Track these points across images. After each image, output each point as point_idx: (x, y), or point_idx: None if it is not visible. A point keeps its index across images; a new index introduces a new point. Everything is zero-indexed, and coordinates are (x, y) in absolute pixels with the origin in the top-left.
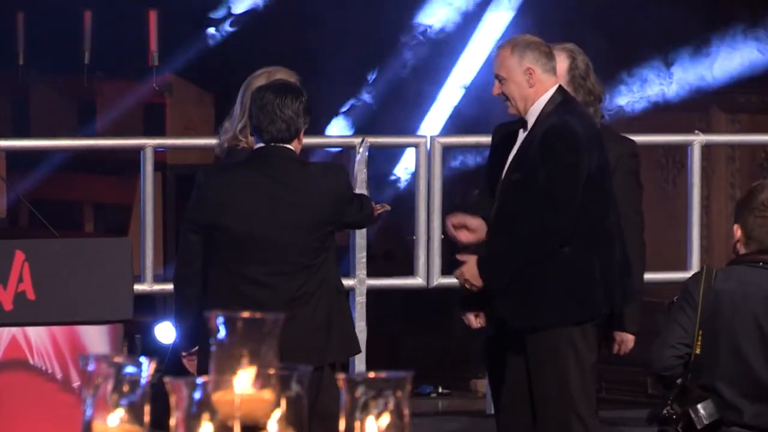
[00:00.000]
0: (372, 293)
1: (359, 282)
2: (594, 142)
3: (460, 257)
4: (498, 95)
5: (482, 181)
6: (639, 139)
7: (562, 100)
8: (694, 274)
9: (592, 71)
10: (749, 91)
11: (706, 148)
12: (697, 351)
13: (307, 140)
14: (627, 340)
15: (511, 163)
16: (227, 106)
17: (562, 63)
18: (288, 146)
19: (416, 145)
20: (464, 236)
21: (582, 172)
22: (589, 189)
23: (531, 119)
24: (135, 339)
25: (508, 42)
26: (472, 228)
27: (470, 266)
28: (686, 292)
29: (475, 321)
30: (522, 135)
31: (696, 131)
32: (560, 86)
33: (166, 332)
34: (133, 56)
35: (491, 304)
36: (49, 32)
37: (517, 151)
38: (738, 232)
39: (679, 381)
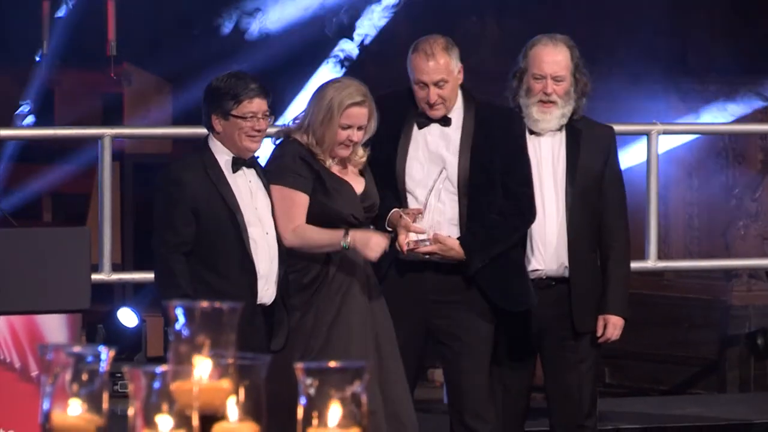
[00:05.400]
0: None
1: None
2: None
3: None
4: (434, 102)
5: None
6: None
7: (467, 89)
8: None
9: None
10: (707, 81)
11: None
12: None
13: None
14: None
15: (468, 155)
16: (185, 96)
17: (564, 53)
18: (208, 135)
19: None
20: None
21: None
22: None
23: (456, 114)
24: (97, 328)
25: (437, 44)
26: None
27: (452, 241)
28: None
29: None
30: (449, 130)
31: (654, 120)
32: None
33: (128, 317)
34: (91, 46)
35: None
36: (8, 22)
37: (471, 145)
38: None
39: None
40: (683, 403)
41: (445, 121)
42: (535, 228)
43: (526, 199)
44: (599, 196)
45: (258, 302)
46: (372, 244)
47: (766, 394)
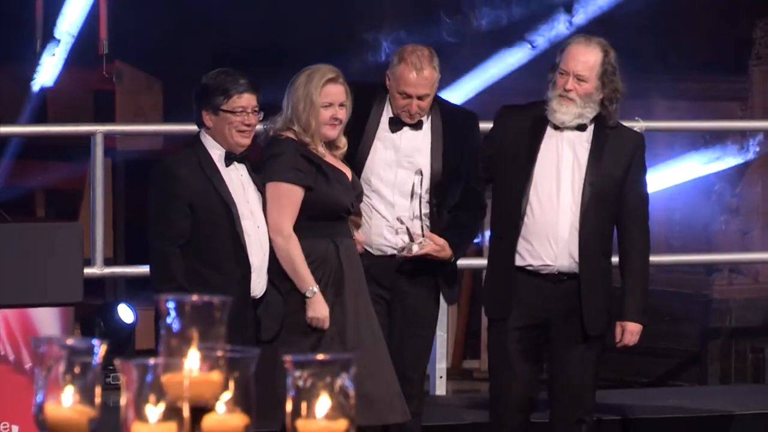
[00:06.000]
0: None
1: None
2: None
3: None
4: (414, 113)
5: None
6: None
7: None
8: None
9: (618, 70)
10: (688, 79)
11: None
12: None
13: None
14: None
15: (440, 158)
16: (176, 93)
17: (595, 55)
18: (200, 132)
19: None
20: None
21: None
22: None
23: (425, 117)
24: (94, 322)
25: (424, 57)
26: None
27: (443, 242)
28: None
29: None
30: (420, 133)
31: (636, 117)
32: None
33: (125, 313)
34: (84, 44)
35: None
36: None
37: (442, 147)
38: None
39: None
40: (665, 395)
41: (417, 125)
42: (548, 223)
43: (483, 196)
44: (618, 200)
45: (251, 295)
46: (319, 317)
47: (746, 386)
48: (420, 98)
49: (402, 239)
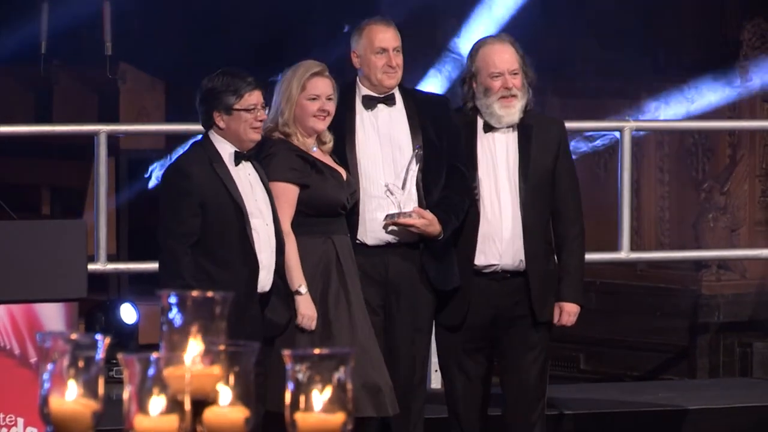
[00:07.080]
0: None
1: None
2: None
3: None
4: (394, 65)
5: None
6: (572, 125)
7: None
8: None
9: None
10: (677, 79)
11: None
12: None
13: None
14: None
15: (419, 134)
16: (178, 94)
17: (511, 48)
18: (208, 132)
19: None
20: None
21: None
22: None
23: (396, 96)
24: (97, 317)
25: (386, 18)
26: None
27: (432, 216)
28: None
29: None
30: (395, 111)
31: (626, 117)
32: None
33: (128, 313)
34: (88, 45)
35: None
36: (7, 22)
37: (420, 124)
38: None
39: None
40: (655, 389)
41: (390, 100)
42: (491, 224)
43: (469, 178)
44: (552, 189)
45: (258, 291)
46: (309, 315)
47: (734, 380)
48: (396, 51)
49: (392, 201)
